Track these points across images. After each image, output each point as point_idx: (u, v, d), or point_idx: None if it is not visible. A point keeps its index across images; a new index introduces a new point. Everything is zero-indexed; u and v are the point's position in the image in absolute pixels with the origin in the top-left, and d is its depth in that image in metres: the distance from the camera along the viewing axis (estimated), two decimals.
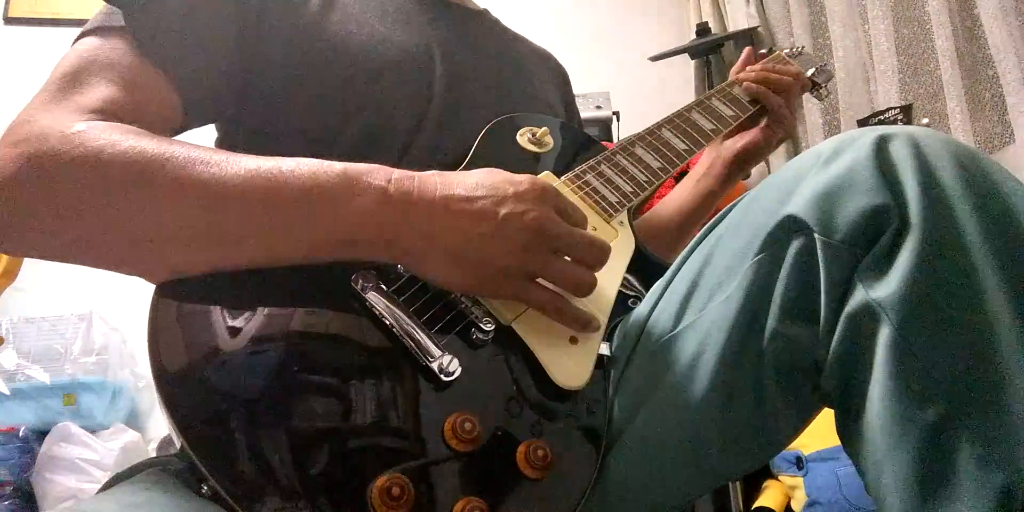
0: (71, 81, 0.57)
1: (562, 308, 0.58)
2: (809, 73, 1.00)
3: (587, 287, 0.57)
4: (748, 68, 0.95)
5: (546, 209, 0.54)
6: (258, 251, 0.51)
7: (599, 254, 0.57)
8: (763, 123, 0.92)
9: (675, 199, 0.94)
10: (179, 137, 0.65)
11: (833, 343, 0.48)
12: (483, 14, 0.92)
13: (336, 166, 0.52)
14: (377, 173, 0.53)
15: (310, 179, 0.51)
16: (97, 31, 0.60)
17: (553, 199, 0.56)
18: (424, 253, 0.53)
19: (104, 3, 0.61)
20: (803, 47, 1.04)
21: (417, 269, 0.55)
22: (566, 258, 0.57)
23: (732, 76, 0.95)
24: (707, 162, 0.93)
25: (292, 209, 0.50)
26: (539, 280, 0.57)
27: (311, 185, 0.51)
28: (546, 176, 0.71)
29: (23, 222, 0.50)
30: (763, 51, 1.03)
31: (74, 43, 0.61)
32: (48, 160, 0.49)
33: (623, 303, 0.65)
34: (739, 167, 0.91)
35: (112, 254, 0.51)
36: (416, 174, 0.55)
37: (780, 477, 1.40)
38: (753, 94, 0.90)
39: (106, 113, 0.55)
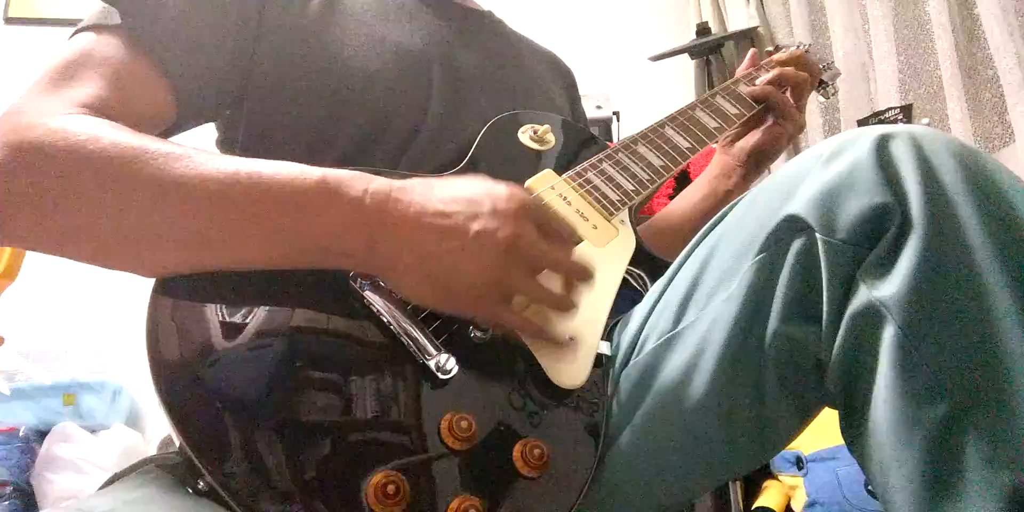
0: (63, 75, 0.57)
1: (538, 332, 0.57)
2: None
3: (565, 307, 0.56)
4: (775, 62, 0.93)
5: (521, 226, 0.52)
6: (232, 254, 0.50)
7: (580, 272, 0.56)
8: (771, 121, 0.90)
9: (689, 202, 0.93)
10: (175, 138, 0.64)
11: (836, 343, 0.48)
12: (487, 15, 0.91)
13: (315, 173, 0.51)
14: (355, 182, 0.51)
15: (287, 186, 0.50)
16: (93, 27, 0.60)
17: (533, 214, 0.54)
18: (396, 268, 0.52)
19: (100, 1, 0.61)
20: (809, 45, 1.03)
21: (392, 284, 0.54)
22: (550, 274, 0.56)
23: (738, 75, 0.94)
24: (720, 165, 0.92)
25: (266, 216, 0.50)
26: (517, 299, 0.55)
27: (288, 192, 0.50)
28: (547, 174, 0.70)
29: (7, 212, 0.49)
30: (769, 49, 1.02)
31: (70, 38, 0.61)
32: (32, 151, 0.49)
33: (627, 300, 0.65)
34: (755, 167, 0.90)
35: (93, 248, 0.51)
36: (396, 184, 0.53)
37: (780, 477, 1.40)
38: (759, 96, 0.88)
39: (95, 108, 0.55)
